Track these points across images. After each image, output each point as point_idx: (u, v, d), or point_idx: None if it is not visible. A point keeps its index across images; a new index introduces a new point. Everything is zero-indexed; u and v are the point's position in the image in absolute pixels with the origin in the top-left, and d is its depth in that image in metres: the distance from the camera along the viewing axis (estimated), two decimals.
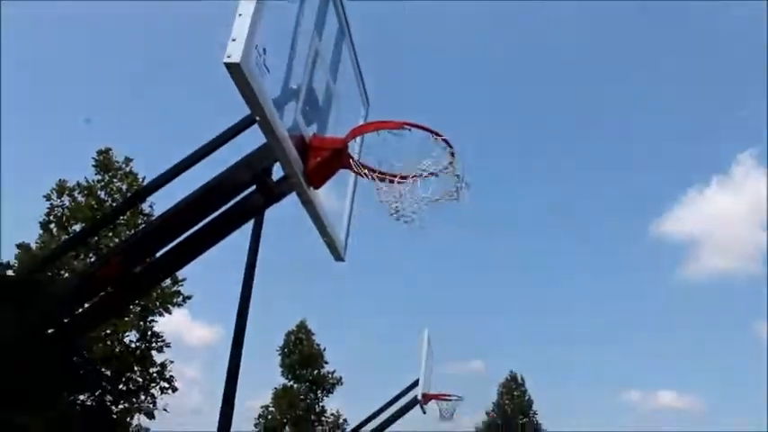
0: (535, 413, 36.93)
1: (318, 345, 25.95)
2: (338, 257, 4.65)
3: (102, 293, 4.39)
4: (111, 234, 15.19)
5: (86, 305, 4.46)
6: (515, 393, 37.19)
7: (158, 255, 4.22)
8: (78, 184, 16.56)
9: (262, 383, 26.68)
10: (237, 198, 4.00)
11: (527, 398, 37.14)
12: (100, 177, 16.86)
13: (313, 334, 26.13)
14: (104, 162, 16.94)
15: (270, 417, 24.92)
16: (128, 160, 17.13)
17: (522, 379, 37.89)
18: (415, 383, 14.73)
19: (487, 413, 37.07)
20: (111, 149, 17.19)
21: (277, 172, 3.97)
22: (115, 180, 16.92)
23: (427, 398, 14.75)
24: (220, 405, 7.09)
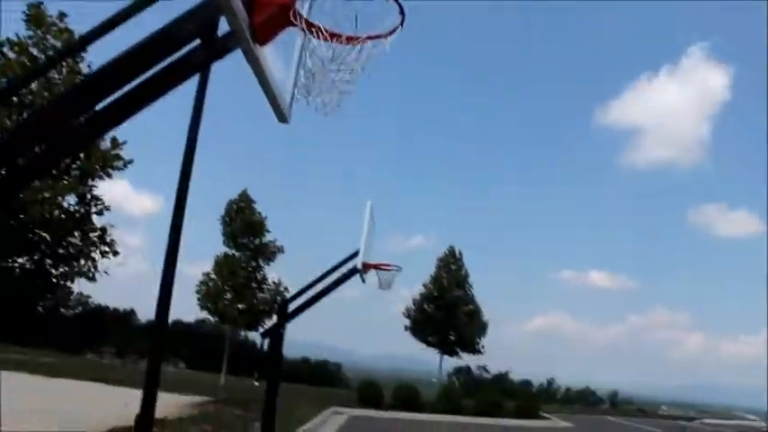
0: (470, 286, 38.39)
1: (260, 213, 26.02)
2: (282, 119, 4.60)
3: (36, 150, 4.27)
4: (46, 93, 14.59)
5: (19, 162, 4.34)
6: (453, 267, 38.36)
7: (97, 109, 4.10)
8: (8, 40, 15.68)
9: (204, 252, 26.83)
10: (180, 52, 3.87)
11: (463, 272, 38.41)
12: (32, 33, 15.98)
13: (254, 203, 26.13)
14: (36, 17, 15.99)
15: (211, 284, 25.25)
16: (62, 15, 16.21)
17: (460, 253, 39.05)
18: (356, 254, 15.05)
19: (424, 285, 38.35)
20: (42, 3, 16.20)
21: (222, 27, 3.84)
22: (49, 36, 16.06)
23: (367, 267, 15.12)
24: (162, 271, 7.06)
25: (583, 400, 45.31)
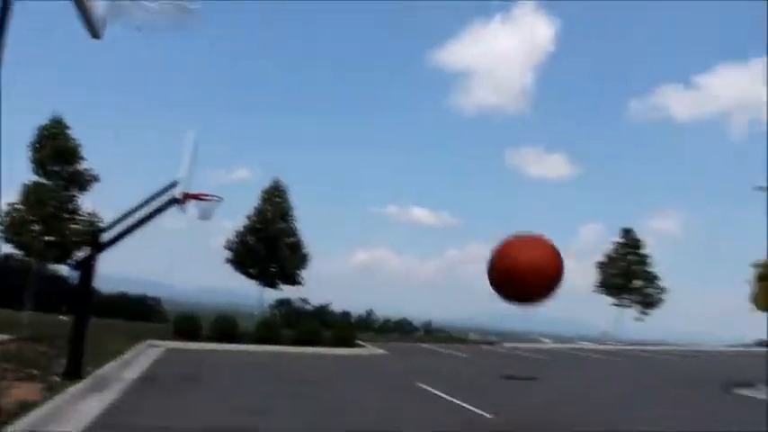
0: (294, 219, 38.64)
1: (75, 139, 24.37)
2: (95, 34, 4.41)
3: None
4: None
5: None
6: (277, 200, 38.33)
7: None
8: None
9: (12, 185, 24.53)
10: None
11: (287, 204, 38.50)
12: None
13: (68, 128, 24.40)
14: None
15: (16, 214, 23.55)
16: None
17: (285, 186, 39.03)
18: (175, 183, 14.75)
19: (248, 217, 38.10)
20: None
21: None
22: None
23: (186, 198, 14.88)
24: None
25: (399, 330, 47.36)
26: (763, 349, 50.58)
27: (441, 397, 15.59)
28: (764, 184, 21.11)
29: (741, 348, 54.37)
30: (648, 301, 50.06)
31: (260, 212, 37.94)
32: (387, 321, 50.52)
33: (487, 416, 13.09)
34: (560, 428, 12.78)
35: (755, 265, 23.22)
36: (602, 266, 50.89)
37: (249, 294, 41.72)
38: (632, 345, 48.91)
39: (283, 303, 46.35)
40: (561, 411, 14.98)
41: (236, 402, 13.09)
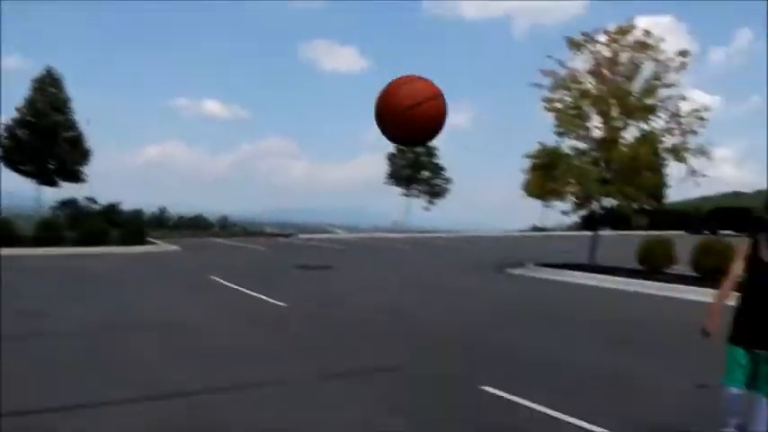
0: (72, 111, 35.80)
1: None
2: None
3: None
4: None
5: None
6: (51, 90, 35.12)
7: None
8: None
9: None
10: None
11: (63, 95, 35.43)
12: None
13: None
14: None
15: None
16: None
17: (60, 76, 35.74)
18: None
19: (17, 109, 34.70)
20: None
21: None
22: None
23: None
24: None
25: (195, 227, 46.25)
26: (537, 233, 55.57)
27: (235, 289, 15.48)
28: (539, 82, 22.19)
29: (517, 234, 59.17)
30: (436, 192, 52.64)
31: (31, 104, 34.63)
32: (181, 218, 49.05)
33: (281, 305, 13.17)
34: (352, 313, 13.14)
35: (528, 156, 24.64)
36: (392, 158, 52.37)
37: (26, 195, 38.68)
38: (422, 233, 51.43)
39: (67, 203, 43.34)
40: (354, 299, 15.40)
41: (10, 307, 12.07)
